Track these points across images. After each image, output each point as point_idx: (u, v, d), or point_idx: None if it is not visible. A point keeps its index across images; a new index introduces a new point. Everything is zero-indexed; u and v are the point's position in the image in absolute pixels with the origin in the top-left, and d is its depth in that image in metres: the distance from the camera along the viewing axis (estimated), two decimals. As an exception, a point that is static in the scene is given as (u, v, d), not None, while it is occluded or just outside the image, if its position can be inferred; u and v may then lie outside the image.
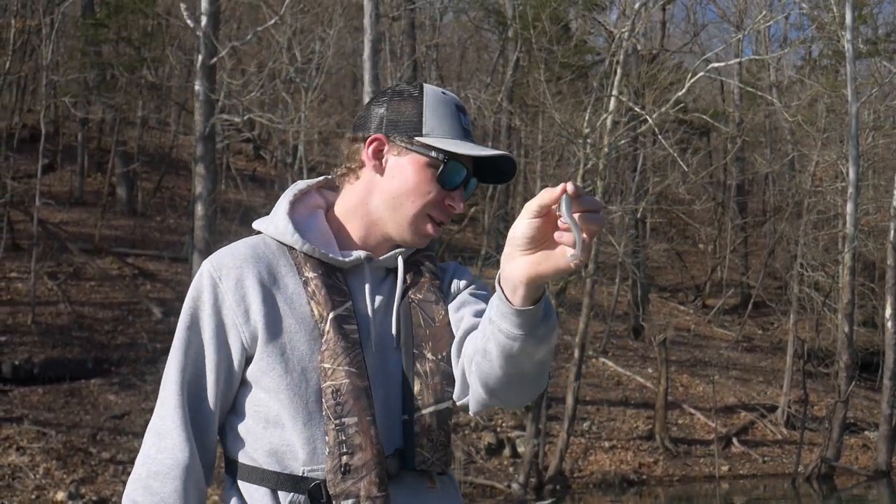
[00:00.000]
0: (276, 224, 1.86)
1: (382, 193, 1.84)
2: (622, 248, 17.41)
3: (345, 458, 1.73)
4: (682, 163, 17.92)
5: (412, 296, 1.87)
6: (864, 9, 22.78)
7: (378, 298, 1.85)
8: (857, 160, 18.25)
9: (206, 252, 13.68)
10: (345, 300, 1.81)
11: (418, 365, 1.82)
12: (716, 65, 18.32)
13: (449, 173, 1.82)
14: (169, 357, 1.82)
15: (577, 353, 15.34)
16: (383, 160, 1.84)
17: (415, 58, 23.02)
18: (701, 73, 16.96)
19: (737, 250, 26.71)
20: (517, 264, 1.52)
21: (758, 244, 28.28)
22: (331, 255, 1.83)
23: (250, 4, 20.08)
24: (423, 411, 1.80)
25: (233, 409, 1.84)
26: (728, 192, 27.38)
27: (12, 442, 12.32)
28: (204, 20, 14.36)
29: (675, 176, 20.40)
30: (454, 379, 1.81)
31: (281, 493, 1.76)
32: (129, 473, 1.92)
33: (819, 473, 16.79)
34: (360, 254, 1.86)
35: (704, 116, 20.69)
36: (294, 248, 1.84)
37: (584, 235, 1.45)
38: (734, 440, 17.61)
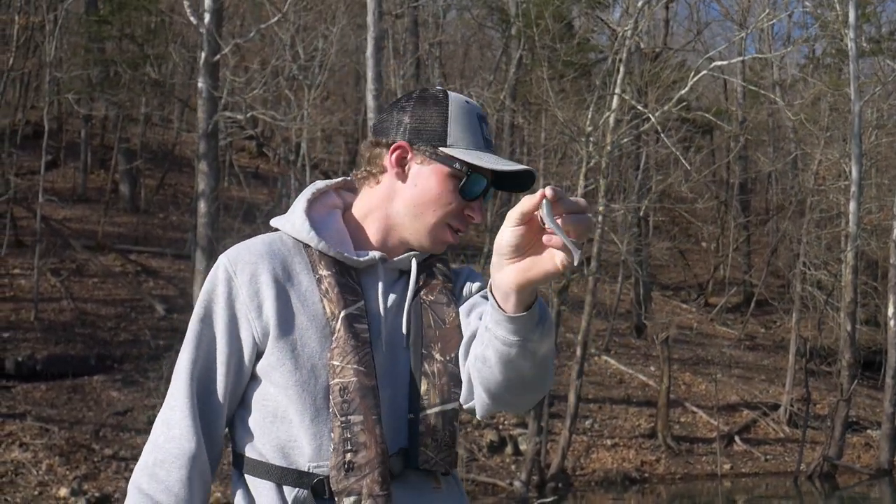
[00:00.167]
0: (292, 222, 1.88)
1: (403, 200, 1.86)
2: (625, 246, 17.41)
3: (349, 456, 1.74)
4: (684, 161, 17.91)
5: (424, 297, 1.88)
6: (868, 7, 22.76)
7: (390, 298, 1.87)
8: (859, 159, 18.25)
9: (209, 249, 13.69)
10: (357, 299, 1.82)
11: (426, 365, 1.83)
12: (719, 63, 18.29)
13: (471, 185, 1.83)
14: (182, 348, 1.84)
15: (579, 351, 15.35)
16: (406, 167, 1.86)
17: (418, 55, 23.01)
18: (704, 72, 16.96)
19: (739, 249, 26.69)
20: (506, 273, 1.52)
21: (760, 243, 28.26)
22: (345, 254, 1.85)
23: (253, 1, 20.08)
24: (429, 411, 1.81)
25: (242, 402, 1.85)
26: (731, 191, 27.36)
27: (15, 438, 12.35)
28: (207, 17, 14.36)
29: (678, 174, 20.39)
30: (461, 381, 1.81)
31: (285, 488, 1.78)
32: (131, 470, 1.94)
33: (821, 472, 16.79)
34: (375, 254, 1.88)
35: (707, 115, 20.65)
36: (309, 246, 1.85)
37: (571, 237, 1.45)
38: (736, 438, 17.61)
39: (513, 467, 15.10)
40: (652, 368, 19.18)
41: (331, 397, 1.77)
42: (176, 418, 1.80)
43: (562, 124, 16.67)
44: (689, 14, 29.52)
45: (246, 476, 1.83)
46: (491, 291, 1.58)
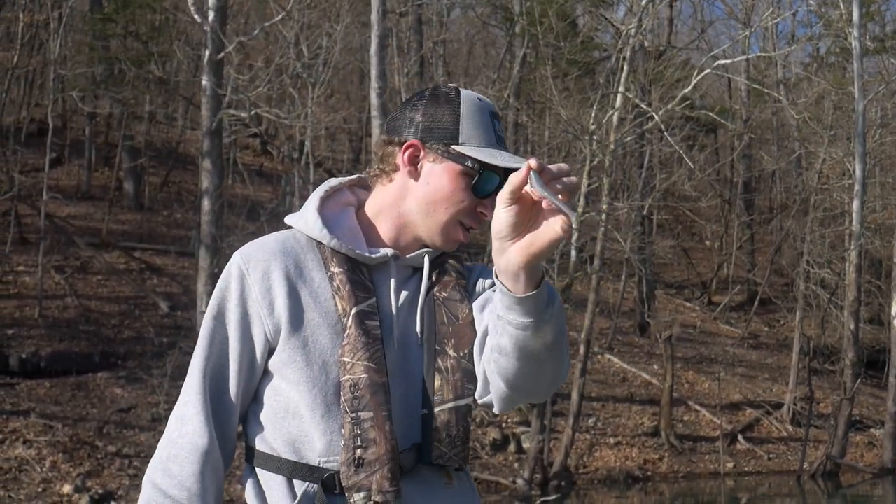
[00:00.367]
0: (305, 219, 1.89)
1: (416, 198, 1.87)
2: (628, 244, 17.41)
3: (359, 452, 1.75)
4: (688, 160, 17.92)
5: (437, 293, 1.89)
6: (872, 6, 22.73)
7: (403, 295, 1.88)
8: (863, 157, 18.23)
9: (213, 247, 13.71)
10: (369, 296, 1.83)
11: (440, 361, 1.84)
12: (723, 62, 18.27)
13: (483, 182, 1.84)
14: (196, 345, 1.86)
15: (582, 350, 15.35)
16: (418, 165, 1.87)
17: (422, 53, 23.00)
18: (708, 70, 16.94)
19: (743, 247, 26.68)
20: (510, 253, 1.55)
21: (764, 241, 28.25)
22: (358, 251, 1.86)
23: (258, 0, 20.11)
24: (443, 406, 1.82)
25: (254, 397, 1.87)
26: (734, 189, 27.35)
27: (19, 435, 12.36)
28: (211, 15, 14.37)
29: (682, 173, 20.40)
30: (475, 377, 1.82)
31: (296, 482, 1.80)
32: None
33: (824, 471, 16.78)
34: (388, 251, 1.89)
35: (711, 113, 20.66)
36: (322, 243, 1.86)
37: (561, 197, 1.51)
38: (739, 437, 17.61)
39: (516, 465, 15.11)
40: (655, 367, 19.17)
41: (341, 393, 1.78)
42: (189, 414, 1.82)
43: (565, 122, 16.67)
44: (692, 12, 29.45)
45: (257, 469, 1.85)
46: (497, 279, 1.60)
